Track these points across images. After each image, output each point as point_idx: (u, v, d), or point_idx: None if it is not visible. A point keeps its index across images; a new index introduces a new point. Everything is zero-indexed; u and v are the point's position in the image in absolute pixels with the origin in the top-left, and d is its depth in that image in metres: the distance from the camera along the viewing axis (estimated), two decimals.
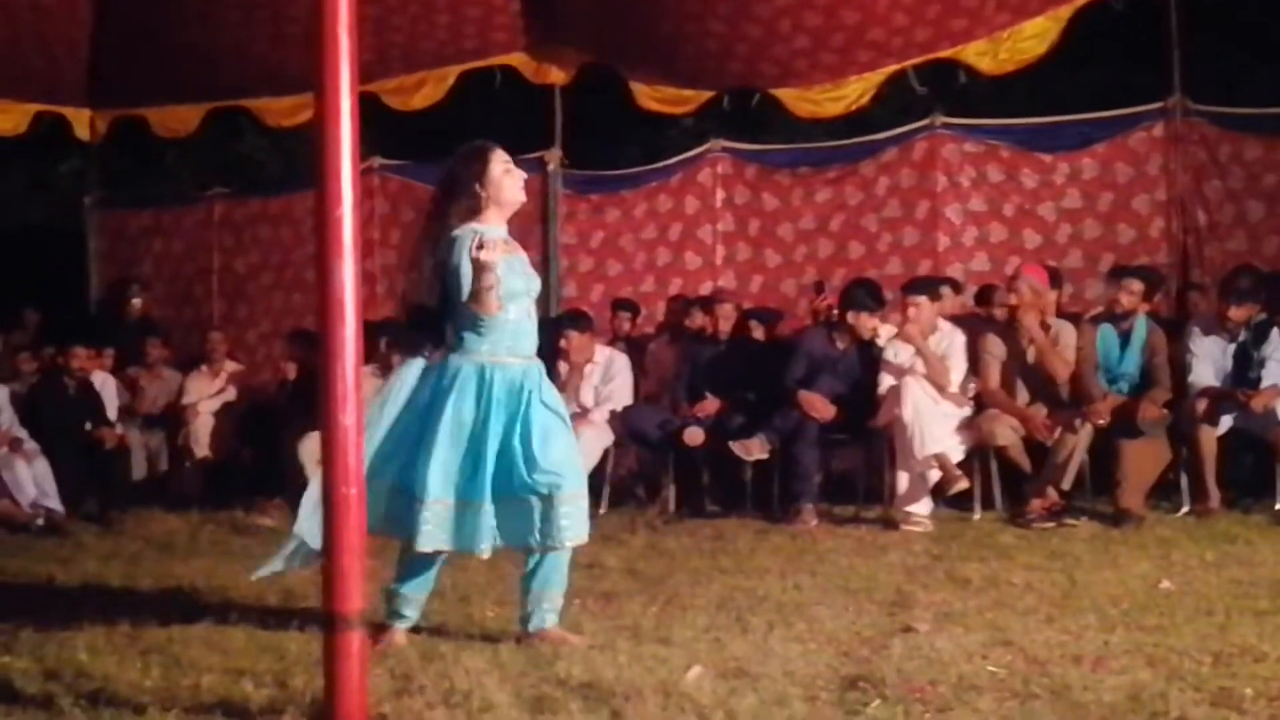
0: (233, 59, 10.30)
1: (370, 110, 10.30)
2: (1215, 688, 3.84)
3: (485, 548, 4.51)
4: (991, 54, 9.45)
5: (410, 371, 4.62)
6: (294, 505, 8.12)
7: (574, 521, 4.55)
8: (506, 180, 4.65)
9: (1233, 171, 9.42)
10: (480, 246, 4.41)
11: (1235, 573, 5.72)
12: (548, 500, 4.50)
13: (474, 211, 4.60)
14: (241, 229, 12.38)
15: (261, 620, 4.98)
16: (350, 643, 3.52)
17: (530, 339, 4.65)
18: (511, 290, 4.56)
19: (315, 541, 4.35)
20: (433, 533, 4.46)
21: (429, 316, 4.60)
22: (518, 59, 10.60)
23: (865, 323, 8.18)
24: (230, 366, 10.71)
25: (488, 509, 4.47)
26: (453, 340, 4.57)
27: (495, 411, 4.50)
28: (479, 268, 4.41)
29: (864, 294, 8.34)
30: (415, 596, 4.69)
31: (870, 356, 8.19)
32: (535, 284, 4.77)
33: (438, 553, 4.57)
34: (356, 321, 3.56)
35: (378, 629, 4.50)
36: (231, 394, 10.42)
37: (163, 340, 10.80)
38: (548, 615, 4.62)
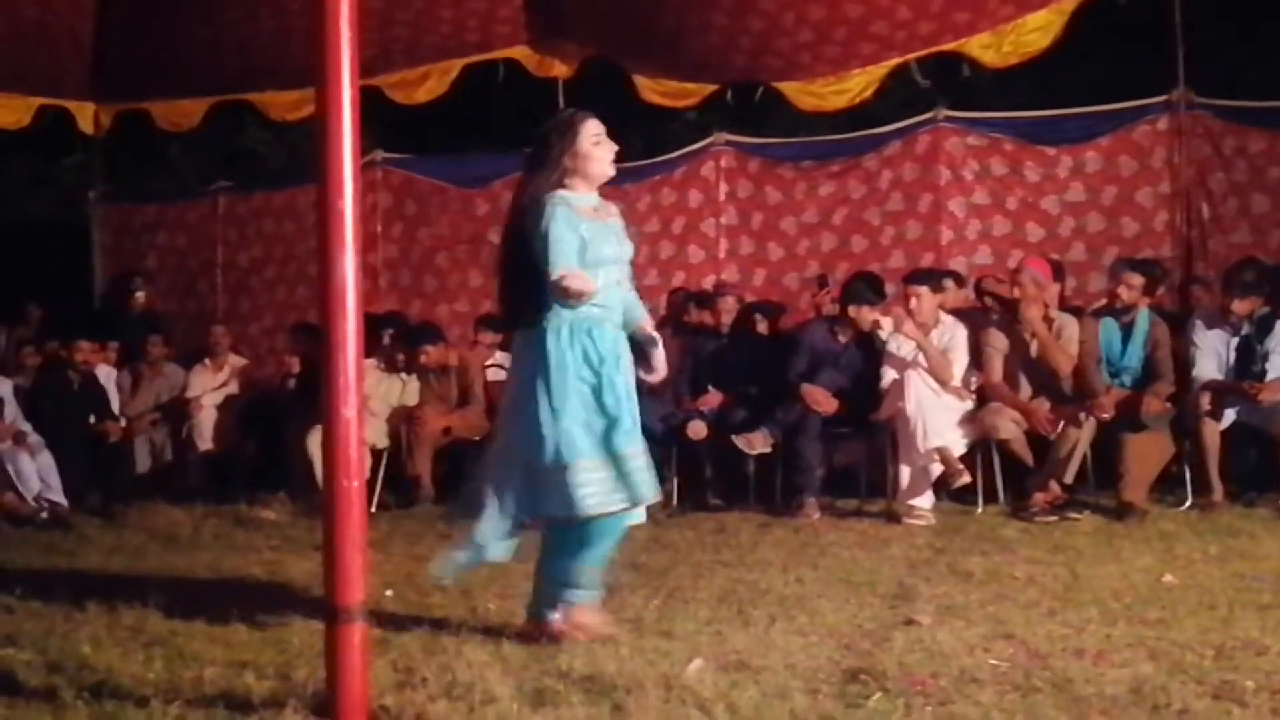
0: (236, 52, 10.29)
1: (373, 104, 10.29)
2: (1217, 681, 3.85)
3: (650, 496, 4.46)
4: (995, 47, 9.43)
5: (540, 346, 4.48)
6: (296, 498, 8.31)
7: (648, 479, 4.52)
8: (596, 152, 4.56)
9: (1237, 165, 9.41)
10: (568, 278, 4.30)
11: (1238, 566, 5.72)
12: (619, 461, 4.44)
13: (560, 182, 4.52)
14: (245, 223, 12.39)
15: (264, 613, 4.98)
16: (352, 635, 3.53)
17: (619, 308, 4.59)
18: (600, 257, 4.49)
19: (495, 553, 4.47)
20: (595, 495, 4.36)
21: (531, 286, 4.44)
22: (521, 52, 10.59)
23: (866, 316, 8.18)
24: (234, 360, 10.71)
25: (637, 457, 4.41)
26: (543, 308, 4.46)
27: (600, 368, 4.45)
28: (565, 293, 4.33)
29: (864, 287, 8.34)
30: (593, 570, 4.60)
31: (873, 350, 8.18)
32: (626, 250, 4.68)
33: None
34: (358, 315, 3.57)
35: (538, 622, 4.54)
36: (234, 387, 10.43)
37: (163, 337, 10.78)
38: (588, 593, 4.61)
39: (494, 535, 4.49)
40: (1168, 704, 3.63)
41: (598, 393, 4.42)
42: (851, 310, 8.25)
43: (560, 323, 4.44)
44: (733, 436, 8.04)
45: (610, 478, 4.37)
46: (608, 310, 4.53)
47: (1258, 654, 4.16)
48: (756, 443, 7.98)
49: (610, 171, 4.63)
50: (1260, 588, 5.20)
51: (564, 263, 4.33)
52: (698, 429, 8.30)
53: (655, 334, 4.82)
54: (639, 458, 4.42)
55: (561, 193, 4.49)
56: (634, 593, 5.38)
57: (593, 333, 4.46)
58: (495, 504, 4.49)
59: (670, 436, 8.43)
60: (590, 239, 4.46)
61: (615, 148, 4.63)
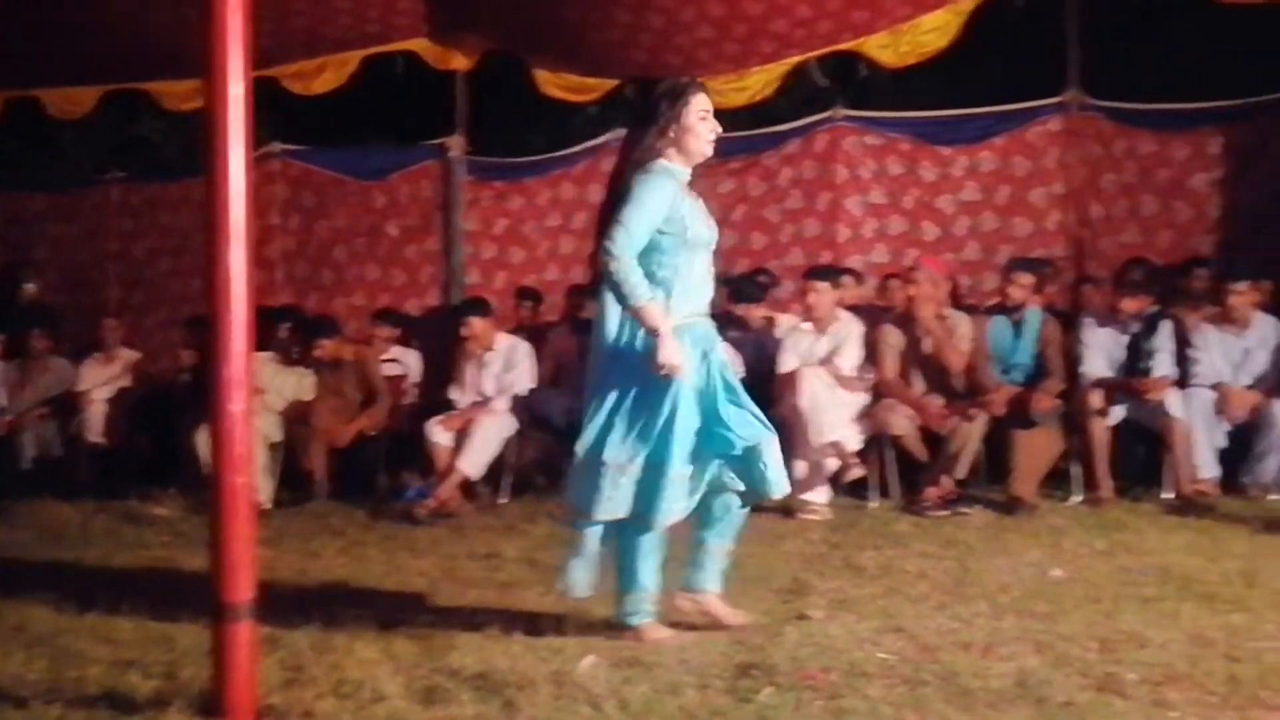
0: (129, 40, 10.09)
1: (271, 95, 10.21)
2: (1101, 674, 3.92)
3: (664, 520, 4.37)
4: (893, 47, 9.51)
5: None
6: (189, 494, 8.18)
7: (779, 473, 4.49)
8: (700, 128, 4.44)
9: (1127, 166, 9.59)
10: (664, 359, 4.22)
11: (1124, 560, 5.83)
12: (752, 452, 4.42)
13: (661, 151, 4.40)
14: (139, 214, 12.17)
15: (153, 611, 4.91)
16: (240, 633, 3.50)
17: (709, 294, 4.51)
18: (700, 239, 4.41)
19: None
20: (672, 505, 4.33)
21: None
22: (420, 45, 10.50)
23: (754, 313, 8.23)
24: (126, 354, 10.51)
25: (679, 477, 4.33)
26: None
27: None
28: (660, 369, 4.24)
29: (747, 285, 8.41)
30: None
31: (768, 346, 8.23)
32: (715, 233, 4.56)
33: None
34: (247, 308, 3.53)
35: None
36: (127, 381, 10.24)
37: (49, 330, 10.54)
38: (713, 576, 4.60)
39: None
40: (1051, 696, 3.70)
41: (671, 397, 4.30)
42: (740, 310, 8.30)
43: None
44: None
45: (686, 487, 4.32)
46: (701, 299, 4.45)
47: (1140, 646, 4.25)
48: None
49: (708, 151, 4.50)
50: (1144, 581, 5.30)
51: (629, 252, 4.22)
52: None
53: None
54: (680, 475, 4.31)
55: (663, 161, 4.39)
56: (530, 589, 5.38)
57: (683, 334, 4.34)
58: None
59: (572, 431, 8.40)
60: (689, 219, 4.37)
61: (718, 128, 4.50)
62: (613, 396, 4.37)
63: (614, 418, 4.35)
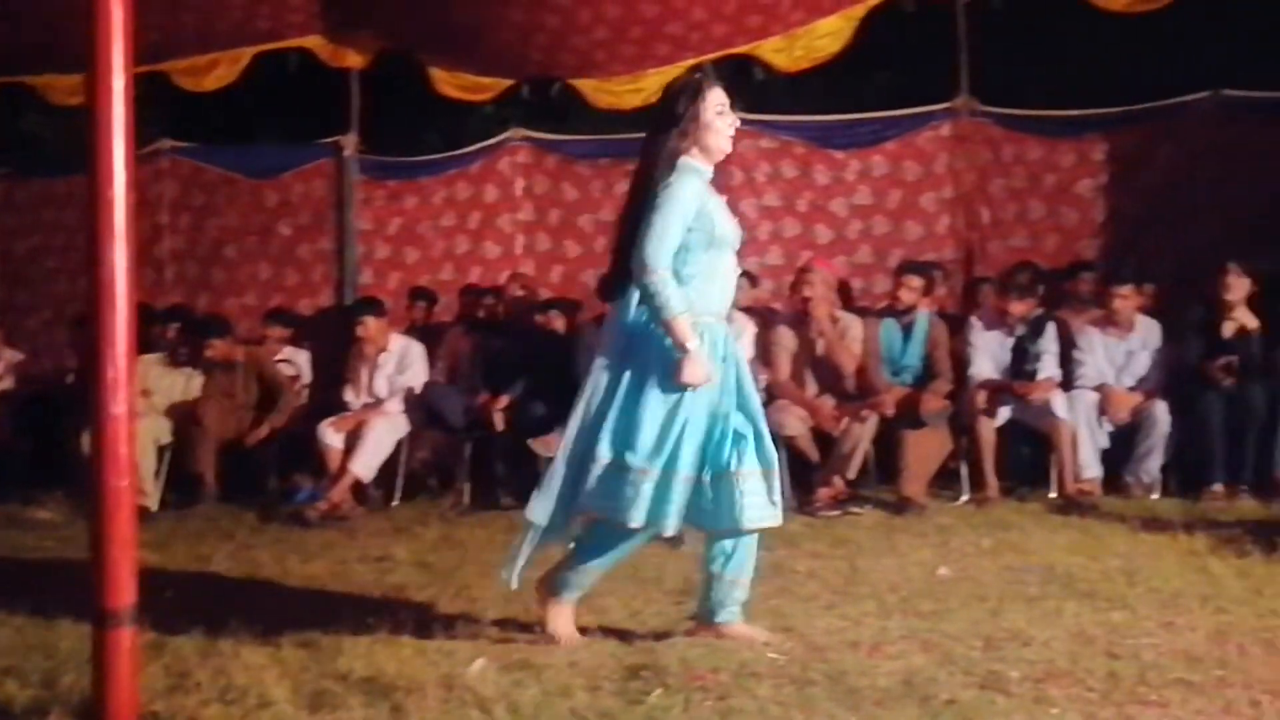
0: (13, 33, 9.87)
1: (161, 90, 10.05)
2: (985, 671, 3.97)
3: (673, 524, 4.25)
4: (787, 51, 9.61)
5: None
6: (74, 497, 8.01)
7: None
8: (718, 124, 4.33)
9: (1016, 171, 9.78)
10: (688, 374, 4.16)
11: (1009, 559, 5.92)
12: (769, 475, 4.32)
13: (684, 150, 4.30)
14: (23, 211, 11.89)
15: (33, 616, 4.81)
16: (121, 639, 3.41)
17: (731, 295, 4.44)
18: (726, 237, 4.32)
19: (542, 518, 4.29)
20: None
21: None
22: (314, 42, 10.39)
23: None
24: (9, 354, 10.28)
25: (686, 480, 4.23)
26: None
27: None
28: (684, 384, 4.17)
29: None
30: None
31: None
32: (740, 232, 4.45)
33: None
34: (129, 308, 3.45)
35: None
36: (10, 382, 10.02)
37: None
38: (736, 607, 4.47)
39: (544, 514, 4.34)
40: (936, 694, 3.74)
41: (687, 401, 4.22)
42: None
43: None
44: (529, 441, 7.99)
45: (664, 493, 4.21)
46: (724, 298, 4.37)
47: (1024, 644, 4.31)
48: (554, 445, 7.88)
49: (728, 148, 4.42)
50: (1029, 580, 5.38)
51: (664, 259, 4.15)
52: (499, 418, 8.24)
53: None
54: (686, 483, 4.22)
55: (689, 160, 4.30)
56: (421, 592, 5.34)
57: (704, 334, 4.26)
58: (555, 483, 4.37)
59: (466, 432, 8.38)
60: (715, 216, 4.28)
61: (736, 122, 4.41)
62: (632, 399, 4.25)
63: (635, 421, 4.23)
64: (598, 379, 4.35)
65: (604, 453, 4.24)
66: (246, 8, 9.94)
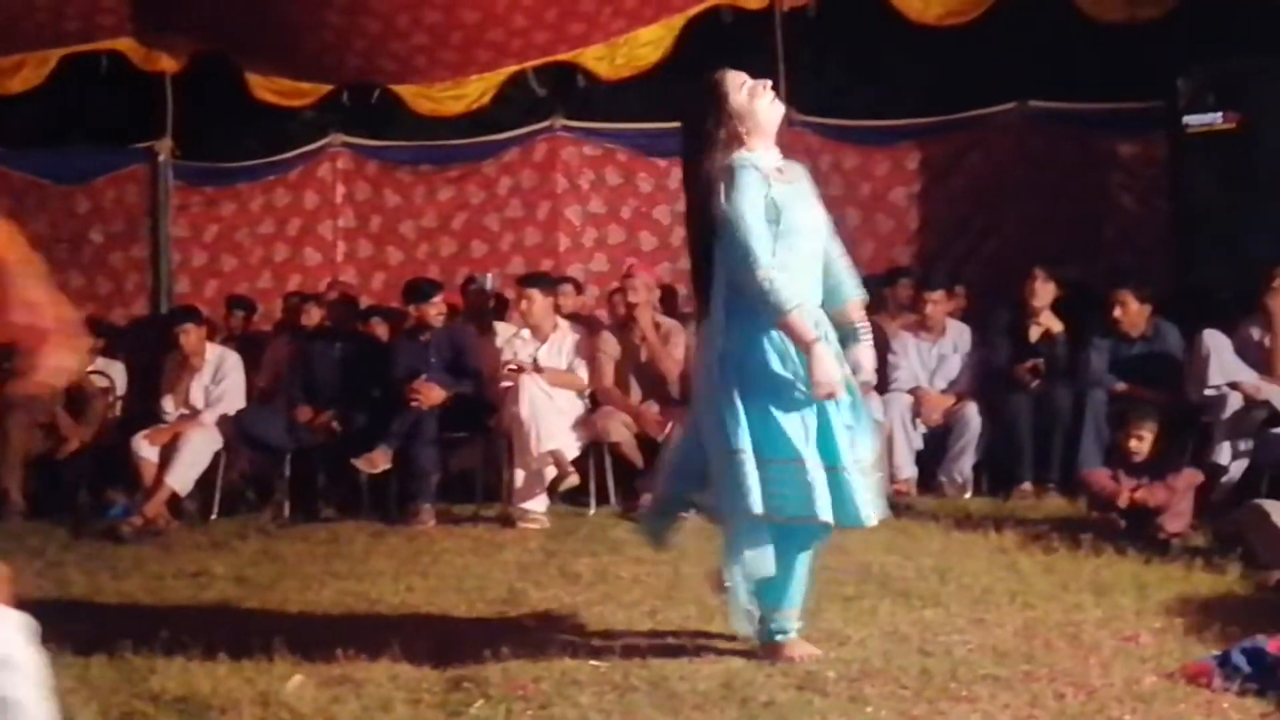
0: None
1: None
2: (802, 672, 4.06)
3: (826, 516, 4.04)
4: (608, 59, 9.68)
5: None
6: None
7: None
8: (755, 104, 4.12)
9: (833, 180, 9.96)
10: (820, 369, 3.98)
11: (827, 559, 5.92)
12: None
13: (732, 147, 4.08)
14: None
15: None
16: None
17: (817, 289, 4.21)
18: (795, 225, 4.09)
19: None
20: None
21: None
22: (126, 44, 10.15)
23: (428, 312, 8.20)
24: None
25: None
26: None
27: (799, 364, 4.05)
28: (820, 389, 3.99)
29: (427, 285, 8.45)
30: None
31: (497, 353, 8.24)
32: (822, 216, 4.26)
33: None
34: None
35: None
36: None
37: None
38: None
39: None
40: (755, 696, 3.82)
41: (788, 390, 4.05)
42: (413, 309, 8.27)
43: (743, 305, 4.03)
44: (352, 460, 7.85)
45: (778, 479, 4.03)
46: (808, 290, 4.14)
47: (840, 644, 4.41)
48: (379, 461, 7.79)
49: (777, 114, 4.19)
50: (845, 580, 5.48)
51: (765, 258, 3.95)
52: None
53: (864, 322, 4.42)
54: (816, 470, 4.03)
55: (744, 153, 4.09)
56: (238, 608, 5.25)
57: (819, 325, 4.10)
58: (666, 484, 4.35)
59: (283, 443, 8.23)
60: (782, 204, 4.07)
61: (769, 84, 4.20)
62: (737, 400, 4.06)
63: (744, 412, 4.05)
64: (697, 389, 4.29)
65: (722, 447, 4.08)
66: (53, 8, 9.66)
